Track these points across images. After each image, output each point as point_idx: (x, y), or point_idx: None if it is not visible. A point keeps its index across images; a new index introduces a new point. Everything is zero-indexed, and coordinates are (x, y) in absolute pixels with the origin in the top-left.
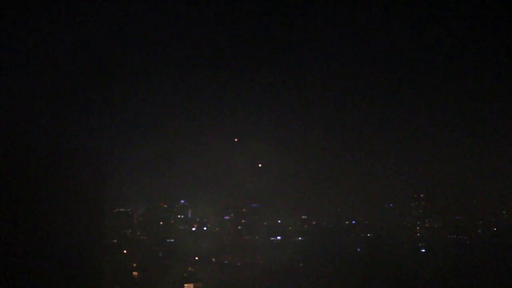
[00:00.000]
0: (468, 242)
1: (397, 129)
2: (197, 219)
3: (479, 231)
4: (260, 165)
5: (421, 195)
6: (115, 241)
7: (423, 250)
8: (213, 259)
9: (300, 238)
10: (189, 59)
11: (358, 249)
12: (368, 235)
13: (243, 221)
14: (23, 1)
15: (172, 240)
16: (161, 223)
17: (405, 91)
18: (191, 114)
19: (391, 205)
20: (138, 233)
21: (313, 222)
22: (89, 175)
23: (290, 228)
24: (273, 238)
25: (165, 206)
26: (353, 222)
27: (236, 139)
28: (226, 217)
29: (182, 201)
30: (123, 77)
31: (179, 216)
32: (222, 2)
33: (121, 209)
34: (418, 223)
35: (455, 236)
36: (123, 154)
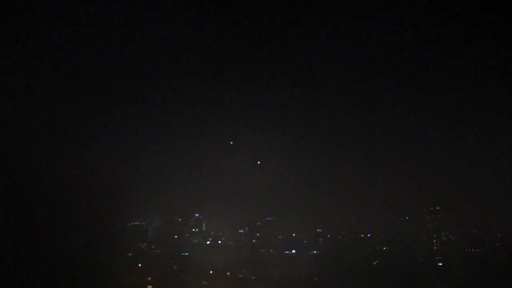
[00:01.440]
0: (486, 255)
1: (413, 141)
2: (212, 233)
3: (497, 244)
4: (259, 162)
5: (437, 208)
6: (130, 254)
7: (440, 264)
8: (228, 273)
9: (315, 252)
10: (199, 68)
11: (375, 263)
12: (384, 248)
13: (257, 234)
14: (23, 1)
15: (187, 253)
16: (175, 236)
17: (422, 100)
18: (207, 130)
19: (407, 217)
20: (153, 247)
21: (328, 235)
22: (106, 190)
23: (304, 241)
24: (287, 252)
25: (179, 219)
26: (369, 235)
27: (231, 142)
28: (241, 231)
29: (197, 215)
30: (135, 91)
31: (193, 229)
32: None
33: (136, 223)
34: (435, 236)
35: (472, 250)
36: (137, 168)
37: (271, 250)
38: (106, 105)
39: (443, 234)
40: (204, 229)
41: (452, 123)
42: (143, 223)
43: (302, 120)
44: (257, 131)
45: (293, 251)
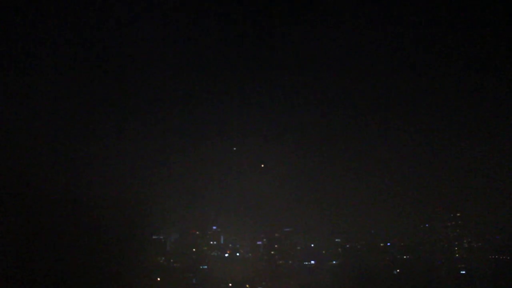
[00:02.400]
0: (510, 262)
1: (431, 147)
2: (230, 245)
3: None
4: (262, 165)
5: (458, 214)
6: (149, 268)
7: (463, 272)
8: (247, 285)
9: (334, 262)
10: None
11: (395, 272)
12: (405, 257)
13: (276, 246)
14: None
15: (205, 266)
16: (193, 250)
17: (439, 103)
18: (223, 142)
19: (427, 225)
20: (172, 260)
21: (347, 245)
22: (125, 205)
23: (323, 252)
24: (306, 263)
25: (197, 232)
26: (388, 244)
27: (234, 148)
28: (259, 243)
29: (214, 228)
30: (146, 111)
31: (211, 242)
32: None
33: (154, 237)
34: (456, 243)
35: (496, 257)
36: (154, 183)
37: (290, 262)
38: (123, 119)
39: (465, 241)
40: (222, 242)
41: (472, 126)
42: (161, 237)
43: (316, 126)
44: (268, 138)
45: (312, 262)
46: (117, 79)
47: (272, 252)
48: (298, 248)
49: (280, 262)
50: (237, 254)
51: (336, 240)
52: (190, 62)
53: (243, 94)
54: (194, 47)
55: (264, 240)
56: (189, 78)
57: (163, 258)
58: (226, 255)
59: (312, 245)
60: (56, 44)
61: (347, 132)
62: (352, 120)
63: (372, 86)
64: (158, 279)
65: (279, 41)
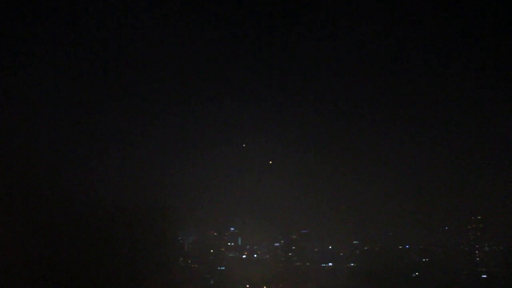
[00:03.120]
0: None
1: (450, 149)
2: (247, 247)
3: None
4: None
5: (478, 217)
6: (167, 269)
7: (484, 276)
8: (264, 287)
9: (352, 264)
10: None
11: (414, 275)
12: (424, 259)
13: (293, 247)
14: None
15: (223, 267)
16: (211, 251)
17: (463, 107)
18: (239, 143)
19: (446, 228)
20: (189, 261)
21: (365, 247)
22: (146, 207)
23: (341, 254)
24: (324, 265)
25: (215, 234)
26: (407, 246)
27: (244, 145)
28: (276, 244)
29: (232, 229)
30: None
31: (229, 243)
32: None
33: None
34: (477, 246)
35: None
36: (172, 184)
37: (308, 264)
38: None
39: (486, 244)
40: (239, 243)
41: (491, 128)
42: (179, 238)
43: (333, 126)
44: (285, 139)
45: (330, 264)
46: (132, 81)
47: (290, 254)
48: (316, 250)
49: (298, 264)
50: (255, 255)
51: (354, 242)
52: (198, 64)
53: (256, 94)
54: (203, 47)
55: (282, 241)
56: (202, 81)
57: (181, 259)
58: (244, 256)
59: (330, 247)
60: (59, 44)
61: (365, 134)
62: (370, 120)
63: (390, 84)
64: (176, 279)
65: (289, 38)
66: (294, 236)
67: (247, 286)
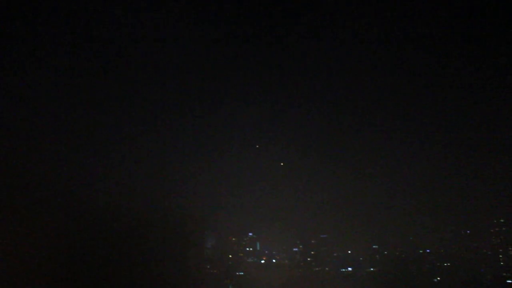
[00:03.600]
0: None
1: (470, 149)
2: (266, 252)
3: None
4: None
5: (501, 220)
6: (187, 275)
7: (510, 281)
8: None
9: (372, 269)
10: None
11: (436, 280)
12: (445, 264)
13: (312, 252)
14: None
15: (242, 273)
16: (230, 256)
17: (477, 105)
18: (257, 149)
19: (468, 231)
20: (208, 267)
21: (385, 252)
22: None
23: (361, 258)
24: (343, 270)
25: (233, 239)
26: (428, 250)
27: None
28: (295, 249)
29: (251, 234)
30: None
31: (248, 248)
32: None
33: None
34: (501, 250)
35: None
36: (191, 190)
37: (327, 268)
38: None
39: (510, 248)
40: (258, 248)
41: None
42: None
43: (352, 132)
44: (303, 143)
45: (349, 268)
46: (150, 88)
47: (309, 259)
48: (335, 254)
49: (317, 269)
50: (273, 260)
51: (374, 246)
52: (212, 68)
53: (274, 98)
54: (214, 50)
55: (301, 246)
56: (217, 86)
57: (200, 264)
58: (262, 261)
59: (349, 252)
60: (59, 44)
61: (384, 138)
62: (389, 124)
63: (405, 86)
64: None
65: (299, 40)
66: (313, 241)
67: None
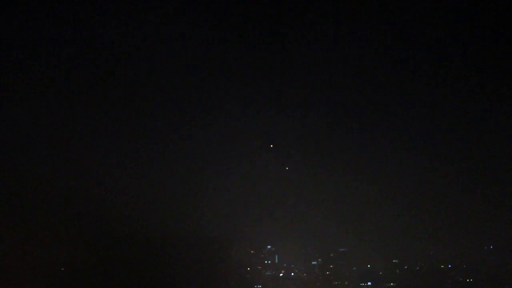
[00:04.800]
0: None
1: (496, 166)
2: (284, 265)
3: None
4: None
5: None
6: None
7: None
8: None
9: (392, 284)
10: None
11: None
12: (468, 280)
13: (331, 266)
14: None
15: (260, 286)
16: (248, 268)
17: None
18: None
19: (491, 246)
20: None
21: (405, 266)
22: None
23: (380, 273)
24: (363, 284)
25: (252, 251)
26: (449, 266)
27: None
28: (314, 262)
29: (269, 247)
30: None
31: (266, 261)
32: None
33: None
34: None
35: None
36: (209, 202)
37: (346, 283)
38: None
39: None
40: (276, 261)
41: None
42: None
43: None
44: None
45: (369, 283)
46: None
47: (328, 273)
48: (354, 268)
49: (336, 283)
50: (292, 274)
51: (394, 261)
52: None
53: (285, 107)
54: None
55: (319, 260)
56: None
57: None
58: (281, 274)
59: (369, 266)
60: (61, 43)
61: (404, 152)
62: (412, 137)
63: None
64: None
65: (294, 41)
66: (332, 255)
67: None
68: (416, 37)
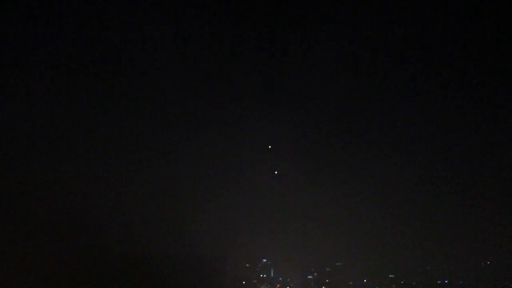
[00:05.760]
0: None
1: (496, 179)
2: (280, 279)
3: None
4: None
5: None
6: None
7: None
8: None
9: None
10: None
11: None
12: None
13: (327, 280)
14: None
15: None
16: (243, 282)
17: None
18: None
19: (488, 262)
20: None
21: (402, 282)
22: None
23: (377, 287)
24: None
25: (247, 265)
26: (446, 281)
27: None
28: (310, 276)
29: (264, 260)
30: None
31: (261, 275)
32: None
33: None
34: None
35: None
36: (205, 215)
37: None
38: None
39: None
40: (272, 275)
41: None
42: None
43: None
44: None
45: None
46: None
47: (323, 287)
48: (350, 283)
49: None
50: None
51: (390, 276)
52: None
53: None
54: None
55: (315, 274)
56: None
57: None
58: None
59: (365, 281)
60: (62, 43)
61: (403, 165)
62: (412, 150)
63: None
64: None
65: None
66: (328, 269)
67: None
68: (416, 37)
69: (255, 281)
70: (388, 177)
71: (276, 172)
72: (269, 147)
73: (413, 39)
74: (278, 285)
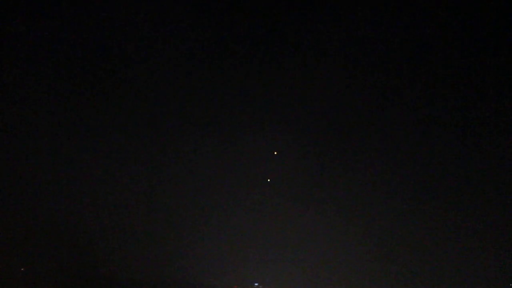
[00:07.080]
0: None
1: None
2: None
3: None
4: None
5: None
6: None
7: None
8: None
9: None
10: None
11: None
12: None
13: None
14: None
15: None
16: None
17: None
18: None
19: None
20: None
21: None
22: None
23: None
24: None
25: None
26: None
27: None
28: None
29: (256, 284)
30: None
31: None
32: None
33: None
34: None
35: None
36: (196, 237)
37: None
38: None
39: None
40: None
41: None
42: None
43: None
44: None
45: None
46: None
47: None
48: None
49: None
50: None
51: None
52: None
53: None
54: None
55: None
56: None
57: None
58: None
59: None
60: (63, 44)
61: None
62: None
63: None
64: None
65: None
66: None
67: None
68: (415, 37)
69: None
70: (388, 204)
71: (275, 153)
72: (275, 153)
73: (417, 39)
74: None
